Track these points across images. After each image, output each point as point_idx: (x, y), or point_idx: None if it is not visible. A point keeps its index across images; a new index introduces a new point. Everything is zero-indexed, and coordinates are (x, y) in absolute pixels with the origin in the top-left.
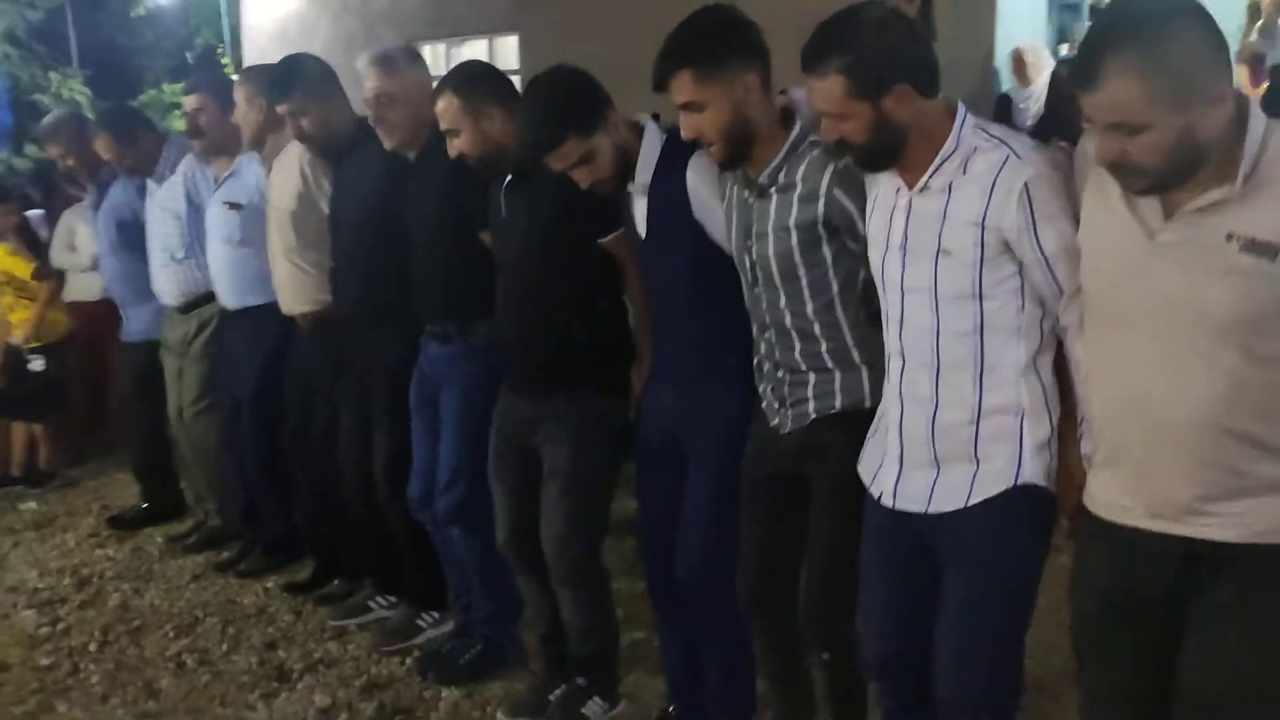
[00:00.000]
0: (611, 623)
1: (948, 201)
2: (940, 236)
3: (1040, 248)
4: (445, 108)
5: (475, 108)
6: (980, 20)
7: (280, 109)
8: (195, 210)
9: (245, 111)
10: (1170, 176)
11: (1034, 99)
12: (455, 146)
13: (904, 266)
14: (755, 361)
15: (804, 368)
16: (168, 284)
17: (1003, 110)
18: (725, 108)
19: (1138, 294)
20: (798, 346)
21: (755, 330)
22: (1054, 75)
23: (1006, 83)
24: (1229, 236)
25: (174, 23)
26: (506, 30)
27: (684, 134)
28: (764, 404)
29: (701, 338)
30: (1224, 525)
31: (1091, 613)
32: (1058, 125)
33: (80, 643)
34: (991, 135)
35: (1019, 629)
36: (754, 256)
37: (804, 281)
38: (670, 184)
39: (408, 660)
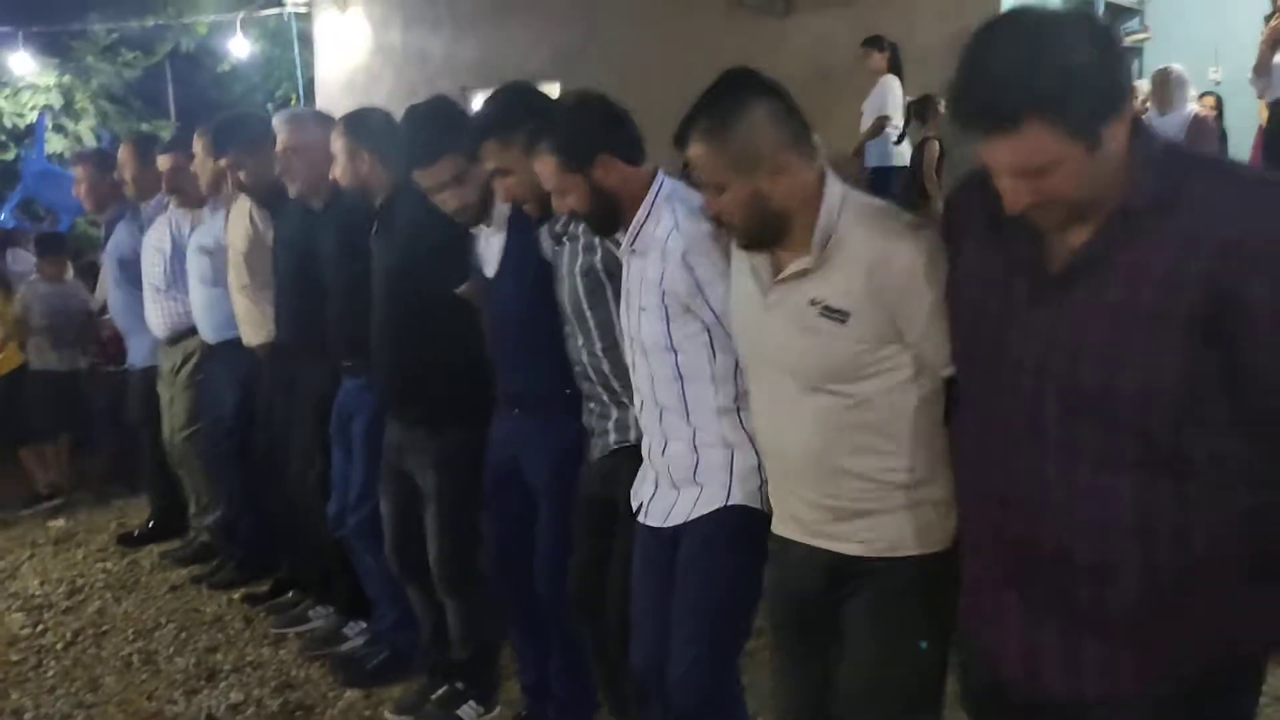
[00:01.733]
0: (491, 631)
1: (644, 263)
2: (640, 294)
3: (711, 309)
4: (333, 139)
5: (352, 145)
6: None
7: (220, 162)
8: (177, 250)
9: (203, 160)
10: (758, 234)
11: None
12: (331, 173)
13: (627, 317)
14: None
15: (605, 400)
16: (156, 317)
17: None
18: (524, 173)
19: (756, 346)
20: (596, 382)
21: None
22: None
23: None
24: (812, 301)
25: (260, 77)
26: (548, 79)
27: (503, 197)
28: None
29: (540, 368)
30: (849, 542)
31: (772, 615)
32: None
33: (50, 643)
34: (670, 202)
35: (732, 632)
36: (559, 298)
37: (591, 323)
38: (524, 219)
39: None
